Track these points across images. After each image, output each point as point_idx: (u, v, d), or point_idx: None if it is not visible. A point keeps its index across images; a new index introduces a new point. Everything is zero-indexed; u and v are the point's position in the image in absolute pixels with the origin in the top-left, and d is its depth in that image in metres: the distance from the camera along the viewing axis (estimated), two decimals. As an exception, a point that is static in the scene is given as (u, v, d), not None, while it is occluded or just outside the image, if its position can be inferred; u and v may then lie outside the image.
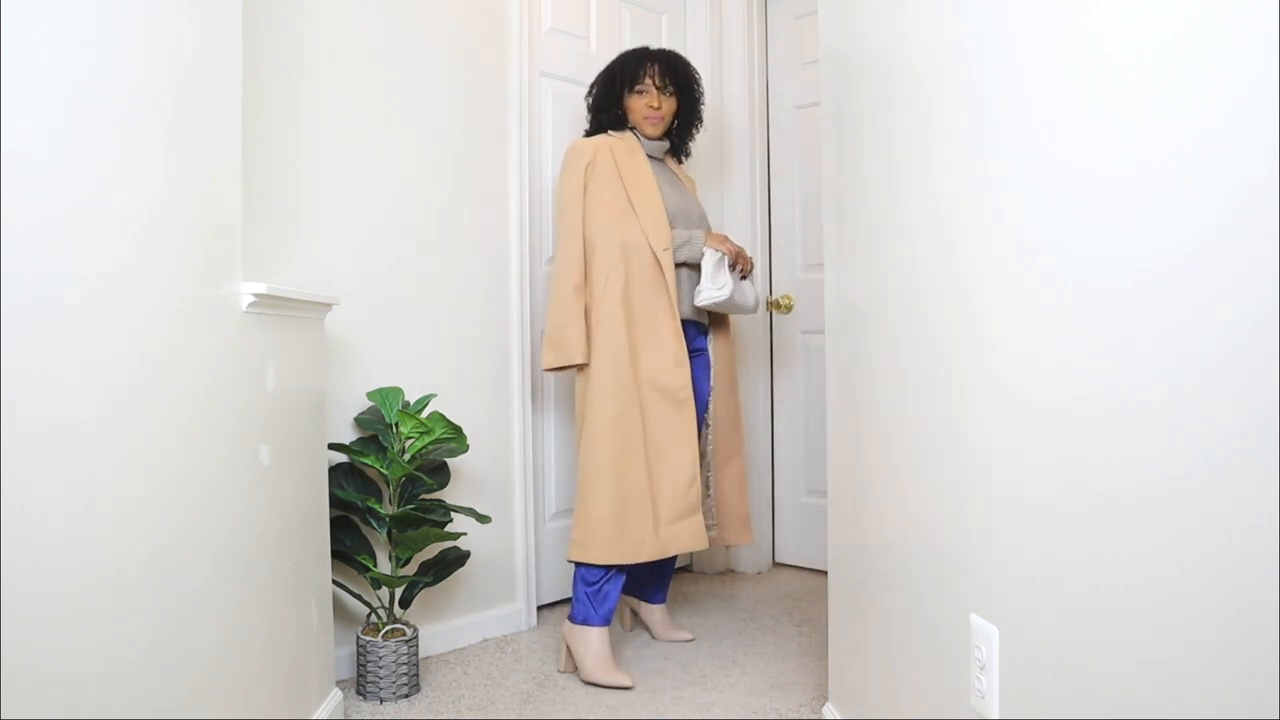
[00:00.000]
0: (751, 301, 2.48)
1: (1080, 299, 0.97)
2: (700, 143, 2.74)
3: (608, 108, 2.50)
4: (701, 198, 3.17)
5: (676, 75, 2.49)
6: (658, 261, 2.32)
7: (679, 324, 2.33)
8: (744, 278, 2.45)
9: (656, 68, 2.46)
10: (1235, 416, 0.76)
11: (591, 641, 2.25)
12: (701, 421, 2.50)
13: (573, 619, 2.28)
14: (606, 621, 2.27)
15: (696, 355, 2.48)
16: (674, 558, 2.52)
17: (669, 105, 2.48)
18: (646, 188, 2.39)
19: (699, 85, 2.56)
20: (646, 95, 2.45)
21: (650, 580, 2.54)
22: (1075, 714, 0.99)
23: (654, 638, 2.53)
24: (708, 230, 2.48)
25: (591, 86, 2.56)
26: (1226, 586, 0.77)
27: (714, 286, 2.35)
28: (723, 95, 3.25)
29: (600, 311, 2.29)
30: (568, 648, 2.29)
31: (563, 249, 2.36)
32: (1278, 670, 0.71)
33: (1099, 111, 0.94)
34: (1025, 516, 1.09)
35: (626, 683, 2.18)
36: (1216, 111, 0.78)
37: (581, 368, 2.31)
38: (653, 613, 2.56)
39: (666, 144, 2.55)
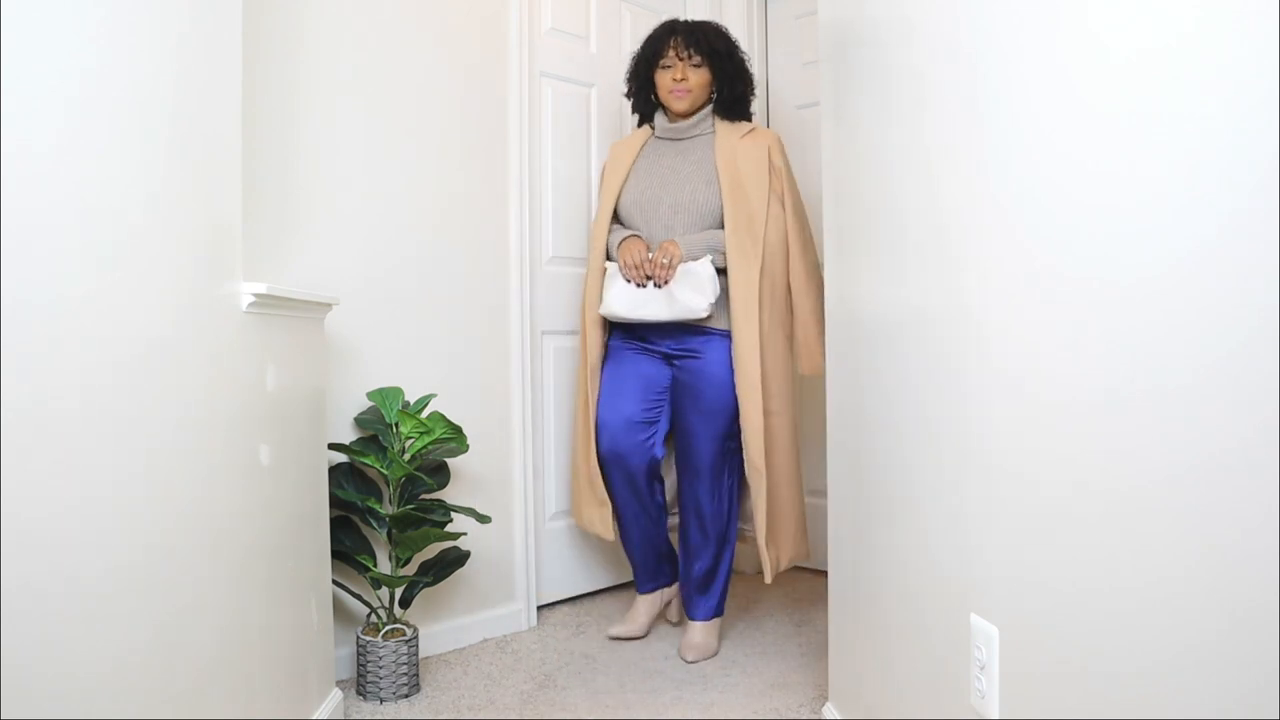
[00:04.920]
0: (665, 315, 2.28)
1: (1080, 298, 0.97)
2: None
3: (639, 92, 2.44)
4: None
5: (699, 42, 2.33)
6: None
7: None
8: (659, 286, 2.28)
9: (679, 38, 2.34)
10: (1235, 416, 0.76)
11: (634, 602, 2.51)
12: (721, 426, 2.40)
13: None
14: (643, 588, 2.46)
15: (687, 357, 2.39)
16: (718, 570, 2.35)
17: (697, 76, 2.34)
18: (608, 185, 2.47)
19: (731, 45, 2.38)
20: (672, 69, 2.33)
21: (684, 586, 2.40)
22: (1075, 714, 0.99)
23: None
24: (632, 234, 2.37)
25: (627, 79, 2.51)
26: (1226, 586, 0.77)
27: (609, 295, 2.38)
28: (723, 95, 3.24)
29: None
30: None
31: None
32: (1278, 670, 0.71)
33: (1099, 110, 0.94)
34: (1025, 516, 1.09)
35: (620, 632, 2.42)
36: (1216, 112, 0.78)
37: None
38: (688, 628, 2.38)
39: (696, 119, 2.41)
